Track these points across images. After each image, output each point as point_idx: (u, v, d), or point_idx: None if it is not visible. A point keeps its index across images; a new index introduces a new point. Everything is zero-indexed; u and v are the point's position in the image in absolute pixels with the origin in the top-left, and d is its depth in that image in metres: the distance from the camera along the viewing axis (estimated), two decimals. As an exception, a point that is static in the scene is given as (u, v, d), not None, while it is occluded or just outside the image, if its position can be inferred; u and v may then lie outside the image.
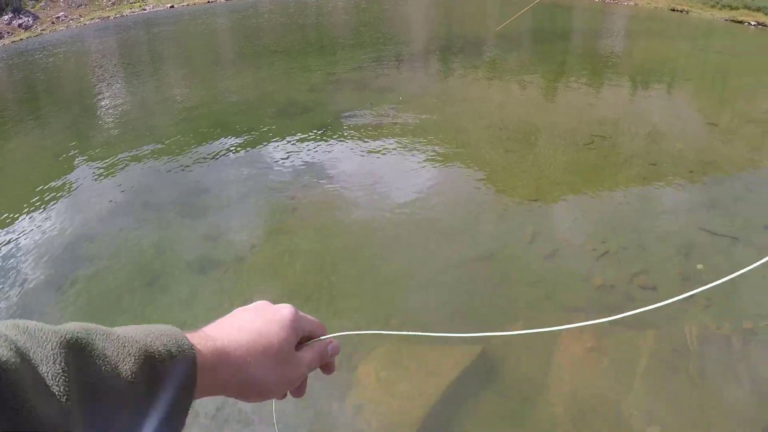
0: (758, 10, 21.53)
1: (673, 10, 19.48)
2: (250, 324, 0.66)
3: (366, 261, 4.78)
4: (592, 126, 7.42)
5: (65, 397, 0.42)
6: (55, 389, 0.42)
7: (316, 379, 0.74)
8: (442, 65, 12.62)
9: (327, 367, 0.74)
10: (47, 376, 0.42)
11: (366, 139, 7.21)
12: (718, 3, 20.19)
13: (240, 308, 0.70)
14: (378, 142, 7.05)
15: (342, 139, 7.37)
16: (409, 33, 17.69)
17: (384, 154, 6.74)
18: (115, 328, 0.53)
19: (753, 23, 21.79)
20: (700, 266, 4.47)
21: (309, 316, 0.73)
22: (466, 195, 5.82)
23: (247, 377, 0.62)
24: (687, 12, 19.25)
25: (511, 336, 3.71)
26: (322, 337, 0.73)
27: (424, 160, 6.56)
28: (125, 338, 0.52)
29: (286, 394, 0.70)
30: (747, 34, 19.36)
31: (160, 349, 0.54)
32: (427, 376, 3.48)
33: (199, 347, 0.58)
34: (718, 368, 3.54)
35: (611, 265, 4.51)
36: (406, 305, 4.22)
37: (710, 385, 3.41)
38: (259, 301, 0.72)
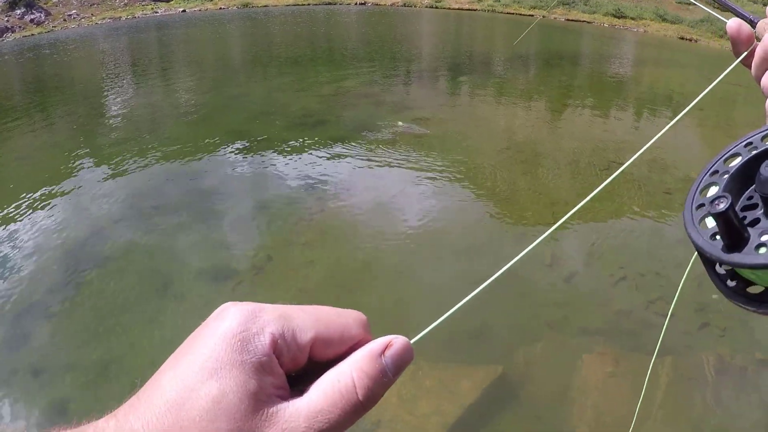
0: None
1: (682, 38, 19.72)
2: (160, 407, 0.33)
3: (385, 277, 4.79)
4: (609, 152, 7.48)
5: None
6: None
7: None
8: (452, 84, 12.70)
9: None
10: None
11: (384, 155, 7.24)
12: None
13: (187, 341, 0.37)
14: (395, 159, 7.08)
15: (359, 152, 7.39)
16: (420, 49, 17.81)
17: (401, 171, 6.76)
18: None
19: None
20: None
21: (303, 310, 0.39)
22: (485, 216, 5.86)
23: None
24: (696, 41, 19.48)
25: (532, 357, 3.73)
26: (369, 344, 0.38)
27: (443, 179, 6.59)
28: None
29: None
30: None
31: None
32: (448, 395, 3.49)
33: None
34: (732, 397, 3.57)
35: (628, 290, 4.54)
36: (430, 324, 4.22)
37: (725, 413, 3.43)
38: (212, 315, 0.38)
